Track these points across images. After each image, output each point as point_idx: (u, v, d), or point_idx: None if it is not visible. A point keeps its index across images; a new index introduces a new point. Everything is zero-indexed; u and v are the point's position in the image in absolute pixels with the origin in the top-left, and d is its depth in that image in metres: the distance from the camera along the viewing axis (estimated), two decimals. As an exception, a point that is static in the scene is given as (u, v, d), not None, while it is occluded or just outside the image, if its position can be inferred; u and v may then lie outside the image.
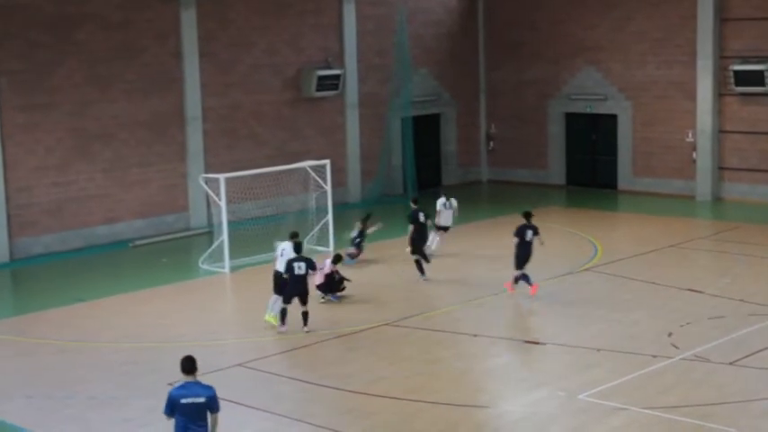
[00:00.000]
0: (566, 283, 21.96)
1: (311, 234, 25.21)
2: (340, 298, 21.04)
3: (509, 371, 16.67)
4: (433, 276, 22.67)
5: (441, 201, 24.96)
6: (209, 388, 11.43)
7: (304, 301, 18.66)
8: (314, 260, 18.94)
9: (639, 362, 16.55)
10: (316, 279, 20.25)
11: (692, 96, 31.20)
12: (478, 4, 35.69)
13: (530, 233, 20.73)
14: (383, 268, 23.75)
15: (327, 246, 25.31)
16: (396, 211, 29.65)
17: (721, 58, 30.57)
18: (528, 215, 20.98)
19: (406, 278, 22.69)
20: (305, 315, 18.69)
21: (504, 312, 20.02)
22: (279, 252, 19.36)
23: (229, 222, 23.87)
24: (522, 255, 20.70)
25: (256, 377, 16.66)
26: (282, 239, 19.92)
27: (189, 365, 11.40)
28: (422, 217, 23.08)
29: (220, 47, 29.22)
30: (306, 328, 18.62)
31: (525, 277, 20.69)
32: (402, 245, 23.95)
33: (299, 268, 18.43)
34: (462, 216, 25.96)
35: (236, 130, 29.74)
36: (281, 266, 19.01)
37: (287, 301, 18.68)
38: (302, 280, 18.45)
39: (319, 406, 15.18)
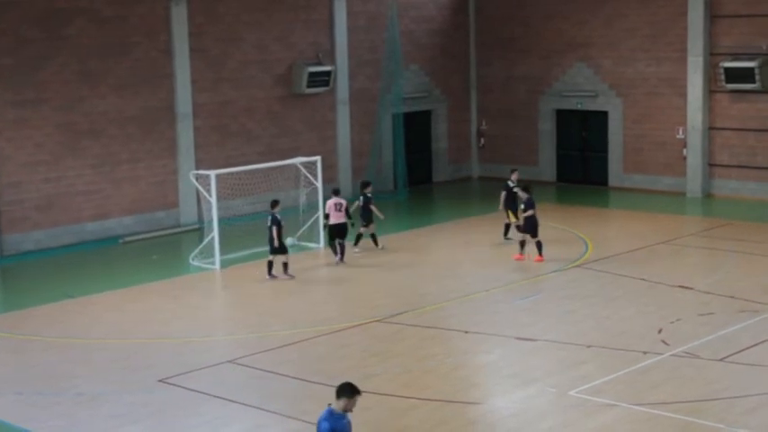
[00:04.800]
0: (556, 280, 21.97)
1: (301, 231, 25.19)
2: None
3: (500, 367, 16.68)
4: (425, 273, 22.74)
5: None
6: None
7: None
8: None
9: (629, 358, 16.57)
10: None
11: (682, 93, 31.22)
12: (469, 1, 35.66)
13: None
14: (375, 264, 23.73)
15: (318, 242, 25.31)
16: (387, 208, 29.54)
17: (712, 54, 30.60)
18: None
19: (399, 272, 22.75)
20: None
21: (495, 309, 20.03)
22: None
23: (220, 219, 23.83)
24: None
25: (247, 374, 16.63)
26: None
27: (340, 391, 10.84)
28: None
29: (211, 43, 29.15)
30: None
31: None
32: (394, 241, 23.95)
33: None
34: (453, 213, 25.96)
35: (227, 127, 29.67)
36: None
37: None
38: None
39: (311, 403, 15.15)
